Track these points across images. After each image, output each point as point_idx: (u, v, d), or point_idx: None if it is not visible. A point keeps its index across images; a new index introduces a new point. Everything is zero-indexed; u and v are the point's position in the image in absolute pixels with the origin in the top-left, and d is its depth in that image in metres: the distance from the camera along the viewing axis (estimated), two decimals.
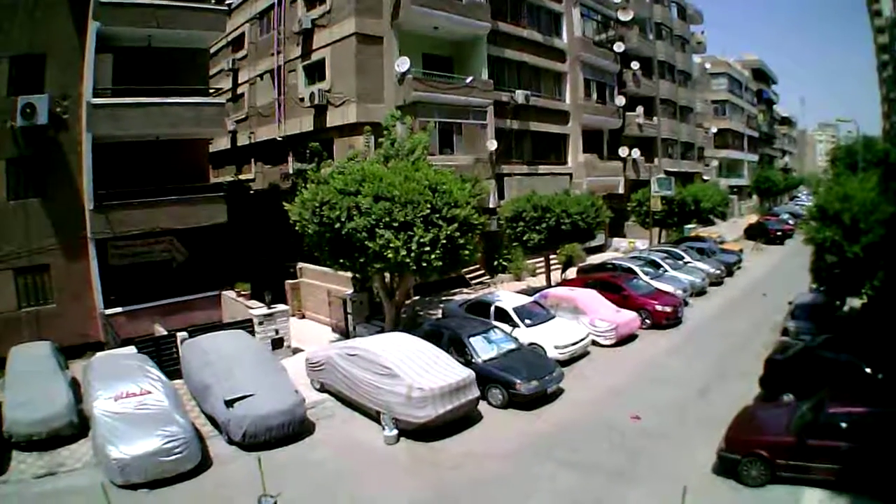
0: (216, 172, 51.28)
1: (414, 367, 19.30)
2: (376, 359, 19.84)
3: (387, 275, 26.36)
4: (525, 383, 20.58)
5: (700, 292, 37.56)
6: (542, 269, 38.68)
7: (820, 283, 26.28)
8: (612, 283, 31.93)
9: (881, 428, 14.43)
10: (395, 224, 22.59)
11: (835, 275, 23.93)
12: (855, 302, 28.02)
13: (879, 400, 15.60)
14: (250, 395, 18.50)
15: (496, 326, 24.37)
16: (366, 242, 22.94)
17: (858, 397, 15.92)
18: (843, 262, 23.11)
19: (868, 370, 18.48)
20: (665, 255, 40.80)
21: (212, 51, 49.79)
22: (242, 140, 46.79)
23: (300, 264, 34.06)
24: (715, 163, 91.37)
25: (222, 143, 48.89)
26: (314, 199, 24.01)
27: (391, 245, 22.39)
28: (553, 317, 27.36)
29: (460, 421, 19.47)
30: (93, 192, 26.62)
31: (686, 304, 33.79)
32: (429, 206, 22.86)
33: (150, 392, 18.14)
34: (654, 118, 63.12)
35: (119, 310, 27.66)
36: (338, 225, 23.21)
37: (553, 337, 25.27)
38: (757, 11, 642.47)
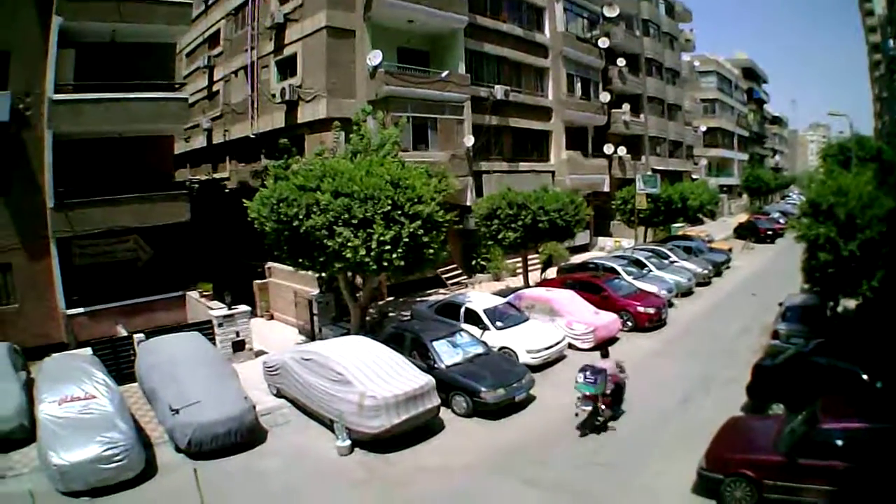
0: (193, 171, 51.06)
1: (368, 374, 18.14)
2: (329, 364, 18.78)
3: (351, 274, 25.18)
4: (490, 391, 19.37)
5: (686, 293, 36.40)
6: (521, 269, 37.42)
7: (813, 283, 24.80)
8: (591, 284, 30.73)
9: (881, 446, 12.95)
10: (355, 221, 21.54)
11: (829, 274, 22.42)
12: (849, 303, 26.88)
13: (879, 413, 14.05)
14: (196, 403, 17.53)
15: (463, 329, 23.16)
16: (325, 241, 21.84)
17: (855, 410, 14.34)
18: (837, 261, 21.65)
19: (865, 377, 17.04)
20: (650, 254, 39.59)
21: (189, 48, 49.77)
22: (217, 138, 45.76)
23: (269, 263, 32.97)
24: (704, 161, 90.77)
25: (198, 142, 48.27)
26: (272, 196, 22.88)
27: (349, 244, 21.31)
28: (527, 319, 26.14)
29: (420, 430, 18.31)
30: (53, 190, 25.85)
31: (671, 304, 32.64)
32: (390, 202, 21.74)
33: (94, 397, 17.29)
34: (641, 115, 62.17)
35: (81, 310, 26.91)
36: (296, 223, 22.15)
37: (526, 340, 24.02)
38: (747, 11, 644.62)
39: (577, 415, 18.70)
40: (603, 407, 18.46)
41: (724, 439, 15.38)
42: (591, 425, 18.46)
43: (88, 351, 22.10)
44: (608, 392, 18.55)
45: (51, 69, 25.57)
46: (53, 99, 25.52)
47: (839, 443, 13.23)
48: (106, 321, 27.03)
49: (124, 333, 24.94)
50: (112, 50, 28.17)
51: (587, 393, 18.24)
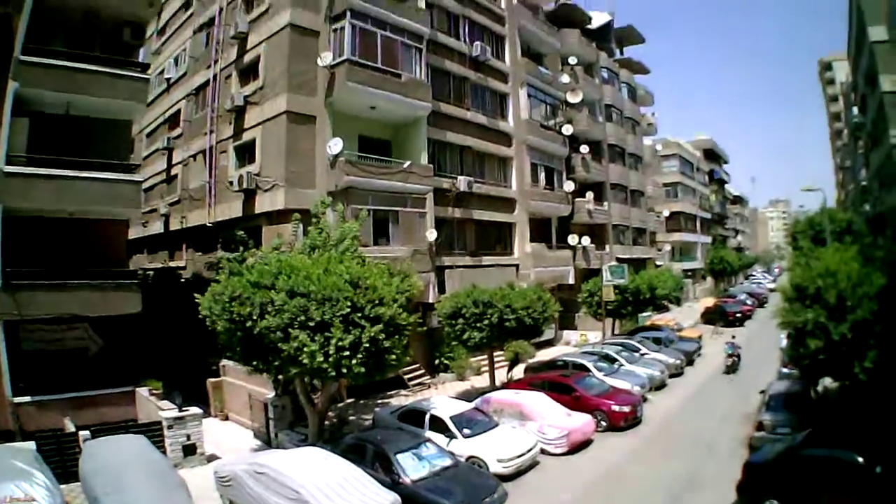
0: (150, 257, 49.49)
1: (328, 493, 16.70)
2: (284, 480, 17.30)
3: (308, 378, 23.77)
4: None
5: (660, 386, 35.41)
6: (487, 368, 36.07)
7: (801, 371, 23.97)
8: (562, 383, 29.41)
9: None
10: (311, 324, 20.21)
11: (819, 360, 21.34)
12: (828, 382, 26.10)
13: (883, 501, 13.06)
14: None
15: (428, 440, 21.71)
16: (279, 344, 20.52)
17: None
18: (828, 346, 20.49)
19: (861, 461, 16.03)
20: (620, 347, 38.74)
21: (150, 128, 48.45)
22: (175, 224, 44.11)
23: (223, 361, 31.40)
24: (668, 247, 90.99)
25: (156, 227, 46.56)
26: (224, 293, 21.68)
27: (306, 348, 19.96)
28: (496, 425, 24.73)
29: None
30: (0, 270, 24.53)
31: (645, 400, 31.46)
32: (349, 303, 20.48)
33: (34, 499, 15.73)
34: (605, 203, 62.01)
35: (28, 399, 25.35)
36: (249, 323, 20.84)
37: (496, 449, 22.61)
38: (705, 94, 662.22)
39: (726, 364, 39.77)
40: (737, 359, 39.85)
41: None
42: (732, 371, 39.29)
43: (32, 445, 20.76)
44: (736, 354, 40.05)
45: (3, 138, 24.64)
46: (4, 171, 24.49)
47: None
48: (54, 412, 25.52)
49: (72, 428, 23.57)
50: (67, 123, 27.29)
51: (729, 352, 40.03)
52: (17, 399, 25.02)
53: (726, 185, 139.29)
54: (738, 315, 62.47)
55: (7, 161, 24.69)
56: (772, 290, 78.62)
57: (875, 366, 19.59)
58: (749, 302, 70.77)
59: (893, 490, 13.85)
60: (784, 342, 26.31)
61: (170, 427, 23.98)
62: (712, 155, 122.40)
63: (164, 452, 22.35)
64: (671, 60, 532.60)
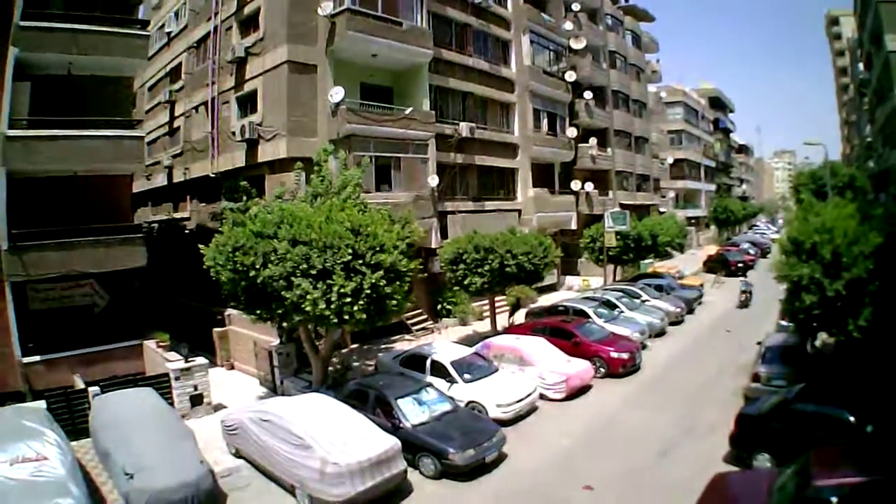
0: (154, 210, 49.72)
1: (330, 437, 17.02)
2: (288, 426, 17.66)
3: (312, 325, 24.11)
4: (459, 453, 18.25)
5: (659, 333, 35.56)
6: (489, 313, 36.39)
7: (796, 325, 23.95)
8: (562, 329, 29.71)
9: (880, 499, 11.99)
10: (314, 272, 20.41)
11: (813, 315, 21.47)
12: (825, 336, 25.87)
13: (873, 462, 13.19)
14: (150, 467, 16.26)
15: (429, 385, 21.98)
16: (283, 292, 20.76)
17: (849, 461, 13.42)
18: (822, 302, 20.69)
19: (852, 419, 16.31)
20: (621, 293, 38.82)
21: (151, 82, 48.23)
22: (178, 176, 44.23)
23: (229, 311, 31.60)
24: (671, 194, 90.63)
25: (160, 179, 46.70)
26: (228, 243, 21.78)
27: (308, 296, 20.19)
28: (496, 370, 25.02)
29: (387, 495, 17.16)
30: (7, 231, 24.61)
31: (644, 347, 31.74)
32: (350, 251, 20.62)
33: (46, 458, 15.90)
34: (609, 150, 61.80)
35: (37, 358, 25.58)
36: (252, 273, 21.00)
37: (495, 394, 22.90)
38: (712, 41, 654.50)
39: (740, 300, 44.03)
40: (749, 295, 44.00)
41: (711, 499, 14.38)
42: (744, 306, 43.25)
43: (42, 404, 20.98)
44: (749, 291, 44.17)
45: (5, 103, 24.61)
46: (7, 135, 24.49)
47: (834, 500, 12.14)
48: (63, 370, 25.71)
49: (81, 385, 23.75)
50: (68, 84, 27.30)
51: (743, 289, 44.24)
52: (27, 359, 25.32)
53: (731, 134, 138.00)
54: (741, 264, 62.23)
55: (10, 125, 24.73)
56: (775, 241, 79.01)
57: (869, 324, 19.74)
58: (752, 251, 70.88)
59: (883, 449, 13.98)
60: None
61: (177, 378, 24.19)
62: (718, 103, 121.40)
63: (171, 404, 22.70)
64: (677, 9, 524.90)
